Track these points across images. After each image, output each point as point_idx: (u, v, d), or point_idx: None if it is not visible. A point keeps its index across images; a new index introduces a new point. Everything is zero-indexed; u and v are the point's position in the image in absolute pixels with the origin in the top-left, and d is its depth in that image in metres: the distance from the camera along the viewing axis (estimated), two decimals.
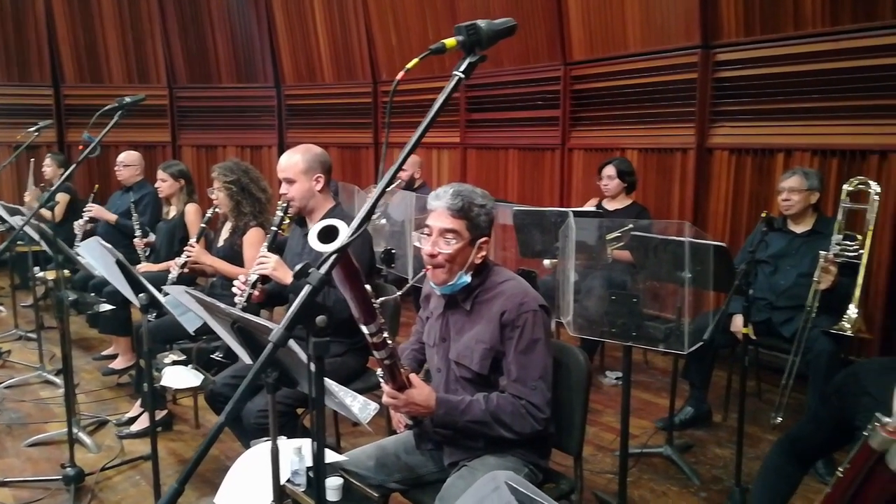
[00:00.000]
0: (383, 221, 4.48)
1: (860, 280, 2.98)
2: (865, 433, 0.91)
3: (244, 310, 2.52)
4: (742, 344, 2.69)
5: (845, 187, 3.14)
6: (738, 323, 3.05)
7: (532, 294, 1.91)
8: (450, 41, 1.20)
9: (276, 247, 2.70)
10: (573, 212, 2.98)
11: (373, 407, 1.69)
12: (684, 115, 4.54)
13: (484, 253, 1.92)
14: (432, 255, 1.87)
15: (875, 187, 3.07)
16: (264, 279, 2.62)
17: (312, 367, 1.13)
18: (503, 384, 1.87)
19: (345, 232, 1.19)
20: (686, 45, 4.47)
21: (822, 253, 3.00)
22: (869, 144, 3.64)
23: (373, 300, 1.50)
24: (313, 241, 1.19)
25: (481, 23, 1.22)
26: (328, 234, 1.20)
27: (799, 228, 3.34)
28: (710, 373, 3.34)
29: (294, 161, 2.58)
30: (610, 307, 2.45)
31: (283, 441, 1.84)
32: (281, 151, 7.61)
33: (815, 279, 3.01)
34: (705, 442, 3.24)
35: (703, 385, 3.35)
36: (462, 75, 1.22)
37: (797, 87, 3.96)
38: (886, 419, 0.88)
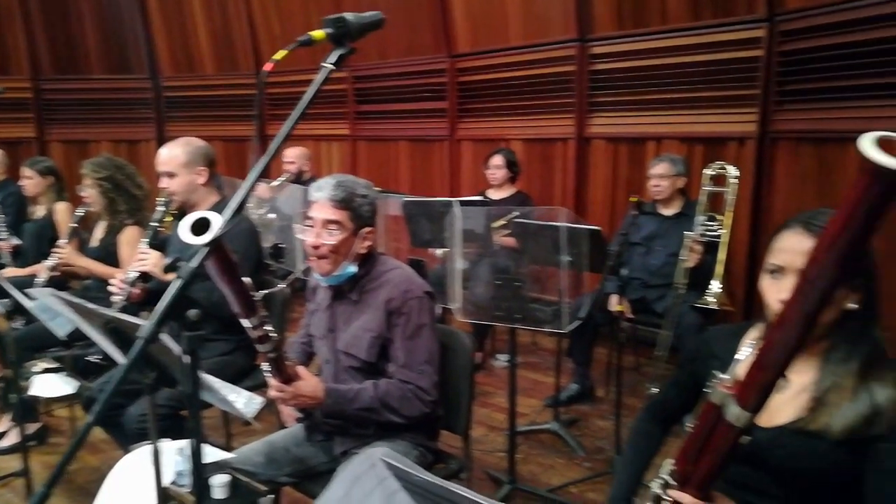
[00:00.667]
0: (272, 216, 4.39)
1: (722, 257, 3.25)
2: (706, 390, 1.01)
3: (123, 310, 2.42)
4: (619, 321, 2.85)
5: (706, 172, 3.40)
6: (613, 302, 3.23)
7: (417, 281, 1.95)
8: (318, 33, 1.21)
9: (158, 244, 2.59)
10: (459, 201, 3.04)
11: (258, 401, 1.67)
12: (564, 107, 4.73)
13: (369, 243, 1.94)
14: (315, 247, 1.88)
15: (733, 171, 3.34)
16: (145, 277, 2.51)
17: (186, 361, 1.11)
18: (391, 370, 1.91)
19: (216, 224, 1.17)
20: (564, 39, 4.65)
21: (688, 234, 3.24)
22: (729, 132, 3.94)
23: (252, 293, 1.48)
24: (184, 233, 1.17)
25: (349, 15, 1.24)
26: (201, 227, 1.18)
27: (668, 211, 3.58)
28: (591, 350, 3.53)
29: (174, 154, 2.49)
30: (496, 292, 2.54)
31: (164, 443, 1.79)
32: (160, 146, 7.26)
33: (682, 258, 3.24)
34: (589, 415, 3.42)
35: (585, 362, 3.53)
36: (332, 66, 1.23)
37: (665, 79, 4.22)
38: (724, 376, 0.99)
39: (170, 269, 1.09)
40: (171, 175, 2.48)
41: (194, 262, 1.09)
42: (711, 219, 3.31)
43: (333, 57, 1.23)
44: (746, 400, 0.93)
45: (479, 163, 5.25)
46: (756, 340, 1.05)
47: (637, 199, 2.89)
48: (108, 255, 3.15)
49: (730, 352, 1.38)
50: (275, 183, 4.92)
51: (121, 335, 1.66)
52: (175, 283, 1.08)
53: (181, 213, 2.62)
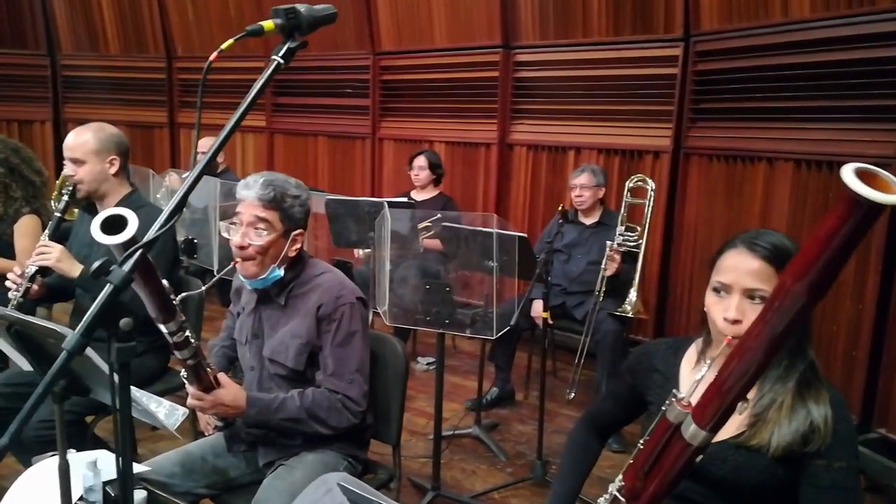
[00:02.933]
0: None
1: (639, 267, 3.36)
2: (664, 408, 1.01)
3: (20, 306, 2.22)
4: (543, 328, 2.88)
5: (627, 184, 3.51)
6: (537, 308, 3.27)
7: (349, 286, 1.89)
8: (268, 24, 1.14)
9: (59, 235, 2.40)
10: (388, 202, 2.99)
11: (181, 412, 1.57)
12: (488, 112, 4.76)
13: (299, 246, 1.87)
14: (242, 247, 1.78)
15: (651, 184, 3.46)
16: (44, 272, 2.31)
17: (116, 376, 1.02)
18: (319, 379, 1.84)
19: (134, 222, 1.07)
20: (489, 44, 4.68)
21: (608, 243, 3.33)
22: (645, 145, 4.08)
23: (171, 296, 1.38)
24: (96, 232, 1.06)
25: (301, 7, 1.17)
26: (113, 225, 1.08)
27: (588, 220, 3.66)
28: (513, 355, 3.56)
29: (84, 140, 2.30)
30: (424, 296, 2.51)
31: (73, 455, 1.64)
32: (57, 127, 6.78)
33: (602, 266, 3.33)
34: (509, 420, 3.45)
35: (507, 366, 3.56)
36: (281, 60, 1.16)
37: (586, 91, 4.32)
38: (681, 394, 1.00)
39: (99, 272, 0.98)
40: (78, 162, 2.29)
41: (128, 266, 1.00)
42: (630, 229, 3.42)
43: (282, 50, 1.16)
44: (705, 419, 0.94)
45: (401, 163, 5.20)
46: (712, 359, 1.07)
47: (563, 207, 2.94)
48: (2, 245, 2.88)
49: (671, 366, 1.42)
50: (186, 174, 4.69)
51: (24, 339, 1.51)
52: (106, 289, 0.99)
53: (87, 204, 2.44)
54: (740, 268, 1.22)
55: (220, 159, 4.94)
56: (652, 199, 3.45)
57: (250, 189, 1.78)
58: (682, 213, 3.93)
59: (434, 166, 4.31)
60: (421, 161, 4.30)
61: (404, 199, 3.70)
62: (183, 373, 1.68)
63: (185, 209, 4.15)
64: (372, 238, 3.39)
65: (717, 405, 0.91)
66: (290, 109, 5.89)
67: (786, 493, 1.21)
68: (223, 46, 1.11)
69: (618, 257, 3.32)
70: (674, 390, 1.01)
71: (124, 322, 0.99)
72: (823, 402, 1.21)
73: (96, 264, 0.99)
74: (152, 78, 6.56)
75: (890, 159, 2.82)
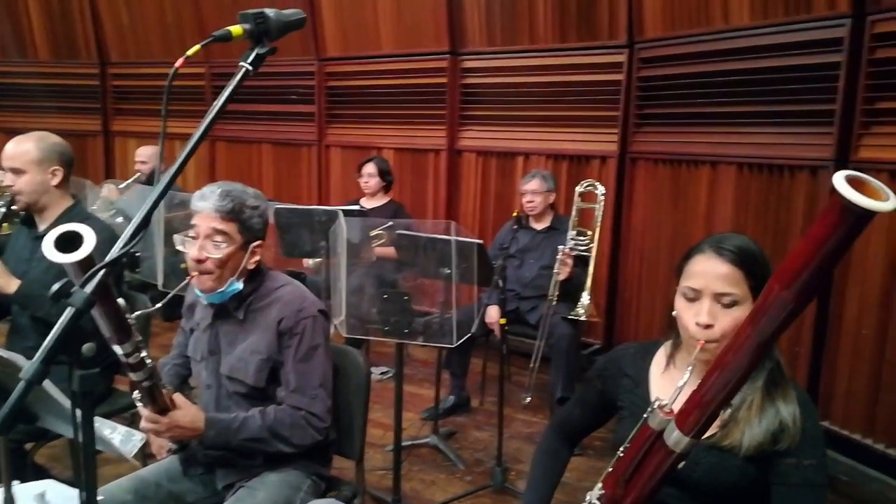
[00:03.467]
0: (119, 220, 4.02)
1: (591, 270, 3.40)
2: (645, 415, 1.02)
3: None
4: (501, 334, 2.88)
5: (578, 189, 3.55)
6: (493, 314, 3.27)
7: (310, 299, 1.85)
8: (236, 29, 1.10)
9: None
10: (341, 211, 2.94)
11: (138, 437, 1.49)
12: (436, 118, 4.75)
13: (258, 258, 1.81)
14: (200, 261, 1.71)
15: (601, 189, 3.51)
16: None
17: (78, 408, 0.95)
18: (281, 395, 1.78)
19: (91, 238, 1.02)
20: (436, 51, 4.68)
21: (561, 247, 3.36)
22: (592, 150, 4.15)
23: (127, 315, 1.31)
24: (49, 250, 1.00)
25: (269, 12, 1.13)
26: (68, 242, 1.02)
27: (539, 225, 3.70)
28: (468, 362, 3.56)
29: (25, 149, 2.18)
30: (382, 306, 2.47)
31: (18, 487, 1.55)
32: None
33: (555, 271, 3.36)
34: (466, 427, 3.44)
35: (463, 374, 3.56)
36: (250, 67, 1.12)
37: (533, 97, 4.36)
38: (664, 401, 1.00)
39: (59, 295, 0.92)
40: (18, 172, 2.17)
41: (90, 288, 0.94)
42: (581, 233, 3.46)
43: (251, 56, 1.12)
44: (689, 425, 0.94)
45: (348, 170, 5.14)
46: (691, 364, 1.07)
47: (518, 213, 2.95)
48: None
49: (640, 370, 1.43)
50: (123, 184, 4.53)
51: None
52: (66, 313, 0.93)
53: (26, 216, 2.31)
54: (710, 273, 1.24)
55: (162, 168, 4.76)
56: (602, 203, 3.51)
57: (207, 200, 1.72)
58: (629, 217, 4.01)
59: (384, 173, 4.28)
60: (370, 168, 4.26)
61: (356, 207, 3.64)
62: (136, 394, 1.60)
63: (121, 220, 4.00)
64: (323, 247, 3.33)
65: (702, 411, 0.92)
66: (232, 116, 5.73)
67: (757, 491, 1.23)
68: (189, 52, 1.06)
69: (570, 261, 3.35)
70: (656, 397, 1.01)
71: (87, 347, 0.94)
72: (791, 400, 1.24)
73: (56, 287, 0.93)
74: (85, 85, 6.30)
75: (827, 162, 2.95)
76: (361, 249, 3.30)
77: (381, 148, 5.02)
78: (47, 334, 2.20)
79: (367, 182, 4.26)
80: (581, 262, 3.42)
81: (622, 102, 3.97)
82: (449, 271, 2.67)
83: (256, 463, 1.79)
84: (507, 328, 3.09)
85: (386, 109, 5.02)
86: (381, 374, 4.01)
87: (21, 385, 0.89)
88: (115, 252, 0.97)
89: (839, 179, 0.72)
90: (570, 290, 3.39)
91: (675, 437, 0.96)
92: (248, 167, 5.72)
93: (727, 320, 1.23)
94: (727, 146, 3.42)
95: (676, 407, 0.98)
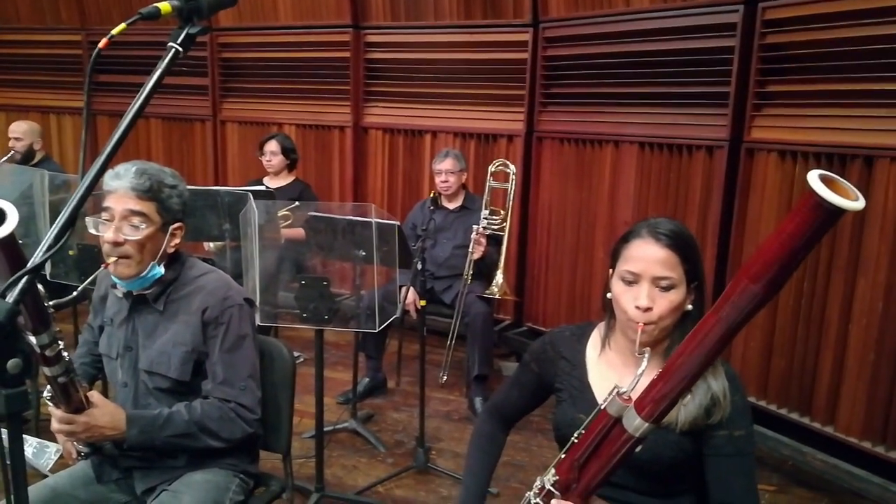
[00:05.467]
0: None
1: (503, 249, 3.45)
2: (602, 403, 1.04)
3: None
4: (419, 314, 2.87)
5: (490, 168, 3.57)
6: (410, 296, 3.24)
7: (235, 287, 1.76)
8: (164, 6, 1.00)
9: None
10: (249, 191, 2.80)
11: (53, 449, 1.38)
12: (340, 94, 4.63)
13: (178, 241, 1.71)
14: (117, 244, 1.59)
15: (512, 168, 3.55)
16: None
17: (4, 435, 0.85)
18: (207, 388, 1.69)
19: (13, 213, 0.93)
20: (338, 24, 4.53)
21: (475, 227, 3.38)
22: (499, 129, 4.18)
23: (46, 303, 1.20)
24: None
25: None
26: None
27: (452, 205, 3.70)
28: (384, 343, 3.52)
29: None
30: (300, 292, 2.39)
31: None
32: None
33: (470, 250, 3.37)
34: (384, 409, 3.42)
35: (379, 355, 3.52)
36: (180, 49, 1.02)
37: (439, 74, 4.33)
38: (623, 389, 1.02)
39: None
40: None
41: (13, 297, 0.83)
42: (494, 213, 3.49)
43: (181, 36, 1.02)
44: (650, 412, 0.96)
45: (247, 147, 4.94)
46: (648, 351, 1.10)
47: (434, 193, 2.93)
48: None
49: (577, 353, 1.46)
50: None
51: None
52: None
53: None
54: (648, 257, 1.27)
55: (37, 146, 4.36)
56: (514, 182, 3.55)
57: (121, 179, 1.59)
58: (536, 195, 4.08)
59: (287, 151, 4.12)
60: (273, 146, 4.09)
61: (262, 188, 3.49)
62: (46, 392, 1.47)
63: None
64: (227, 231, 3.18)
65: (666, 398, 0.94)
66: (114, 88, 5.31)
67: (692, 464, 1.29)
68: (114, 32, 0.95)
69: (484, 241, 3.38)
70: (616, 385, 1.03)
71: (12, 364, 0.83)
72: (720, 376, 1.30)
73: None
74: None
75: (723, 141, 3.11)
76: (268, 232, 3.18)
77: (283, 124, 4.84)
78: None
79: (269, 160, 4.09)
80: (494, 241, 3.45)
81: (528, 81, 4.01)
82: (365, 254, 2.62)
83: (179, 463, 1.70)
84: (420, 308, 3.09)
85: (286, 83, 4.84)
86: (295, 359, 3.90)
87: None
88: (39, 256, 0.86)
89: (814, 178, 0.74)
90: (484, 270, 3.43)
91: (637, 424, 0.98)
92: (135, 143, 5.35)
93: (664, 303, 1.27)
94: (629, 126, 3.54)
95: (636, 394, 1.00)
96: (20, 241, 2.83)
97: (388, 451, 3.00)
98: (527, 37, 3.98)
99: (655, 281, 1.27)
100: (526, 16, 3.98)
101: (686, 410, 1.27)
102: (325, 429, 3.04)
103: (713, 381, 1.29)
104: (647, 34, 3.39)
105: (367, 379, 3.52)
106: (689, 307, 1.32)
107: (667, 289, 1.27)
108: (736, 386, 1.31)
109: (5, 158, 4.21)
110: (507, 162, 3.59)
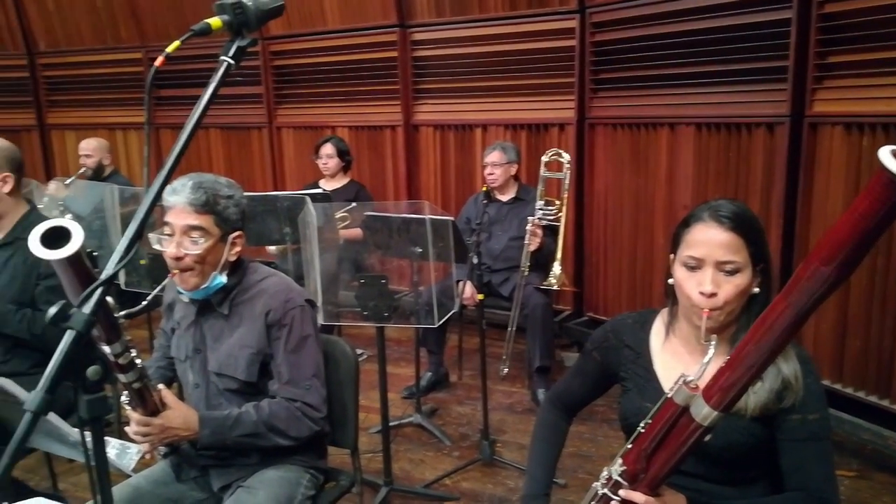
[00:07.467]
0: (69, 216, 3.84)
1: (560, 240, 3.42)
2: (669, 392, 1.02)
3: None
4: (478, 308, 2.88)
5: (543, 158, 3.54)
6: (467, 290, 3.26)
7: (296, 289, 1.81)
8: (215, 21, 1.03)
9: None
10: (308, 195, 2.87)
11: (134, 450, 1.44)
12: (390, 93, 4.67)
13: (238, 249, 1.75)
14: (178, 258, 1.65)
15: (566, 157, 3.52)
16: None
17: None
18: (274, 388, 1.74)
19: (79, 234, 0.98)
20: (384, 24, 4.57)
21: (530, 218, 3.36)
22: (550, 118, 4.14)
23: (115, 314, 1.26)
24: (36, 247, 0.95)
25: (248, 0, 1.06)
26: (55, 238, 0.97)
27: (504, 197, 3.69)
28: (444, 338, 3.55)
29: None
30: (360, 291, 2.43)
31: None
32: None
33: (526, 242, 3.36)
34: (447, 403, 3.45)
35: (440, 350, 3.56)
36: (232, 61, 1.05)
37: (486, 67, 4.32)
38: (690, 377, 1.00)
39: (57, 319, 0.86)
40: None
41: (89, 308, 0.88)
42: (549, 203, 3.47)
43: (232, 49, 1.05)
44: (718, 401, 0.95)
45: (302, 151, 5.03)
46: (714, 338, 1.08)
47: (487, 187, 2.93)
48: None
49: (640, 341, 1.44)
50: (69, 180, 4.31)
51: None
52: (67, 336, 0.87)
53: None
54: (711, 241, 1.24)
55: (106, 161, 4.56)
56: (568, 172, 3.51)
57: (178, 195, 1.65)
58: (591, 183, 4.03)
59: (342, 153, 4.19)
60: (328, 149, 4.16)
61: (319, 191, 3.56)
62: (124, 398, 1.55)
63: (70, 217, 3.83)
64: (288, 234, 3.25)
65: (734, 387, 0.92)
66: (174, 102, 5.51)
67: (763, 449, 1.26)
68: (169, 49, 0.98)
69: (540, 232, 3.36)
70: (682, 374, 1.01)
71: (92, 370, 0.88)
72: (791, 358, 1.26)
73: (52, 310, 0.86)
74: (14, 78, 5.95)
75: (784, 118, 3.01)
76: (327, 233, 3.24)
77: (335, 127, 4.92)
78: (15, 349, 2.10)
79: (325, 163, 4.17)
80: (550, 231, 3.43)
81: (577, 68, 3.96)
82: (421, 250, 2.64)
83: (252, 461, 1.76)
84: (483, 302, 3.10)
85: (337, 87, 4.91)
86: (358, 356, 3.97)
87: (27, 417, 0.83)
88: (111, 267, 0.91)
89: (885, 154, 0.71)
90: (541, 261, 3.41)
91: (706, 413, 0.96)
92: (197, 153, 5.53)
93: (729, 288, 1.24)
94: (685, 107, 3.46)
95: (703, 382, 0.99)
96: (94, 252, 2.96)
97: (454, 444, 3.02)
98: (574, 23, 3.94)
99: (719, 265, 1.24)
100: (572, 2, 3.94)
101: (756, 395, 1.24)
102: (391, 423, 3.09)
103: (784, 365, 1.25)
104: (699, 11, 3.30)
105: (430, 373, 3.56)
106: (756, 290, 1.28)
107: (731, 273, 1.24)
108: (808, 369, 1.28)
109: (78, 174, 4.42)
110: (561, 151, 3.56)
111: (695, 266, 1.26)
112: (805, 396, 1.25)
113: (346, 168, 4.24)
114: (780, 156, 3.06)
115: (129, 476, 1.70)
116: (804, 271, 0.82)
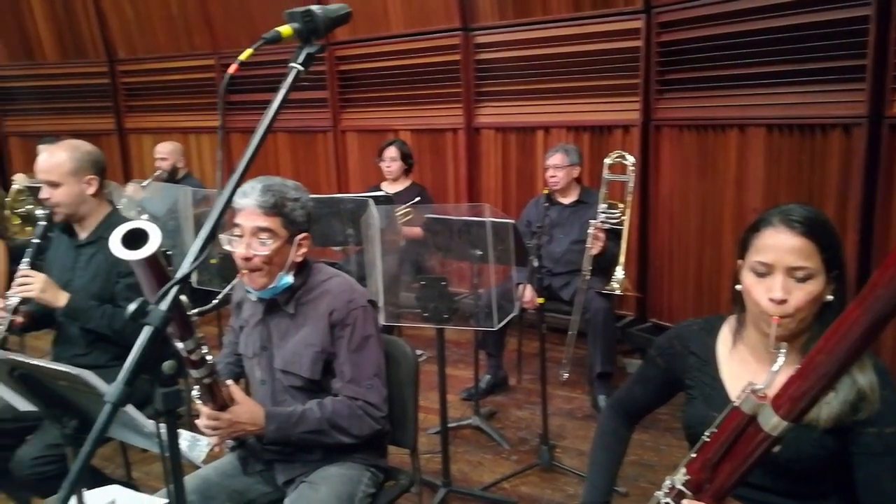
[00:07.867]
0: (145, 217, 4.02)
1: (623, 244, 3.37)
2: (735, 401, 1.00)
3: (4, 340, 2.11)
4: (539, 311, 2.86)
5: (606, 161, 3.49)
6: (527, 293, 3.24)
7: (359, 290, 1.84)
8: (285, 30, 1.07)
9: (40, 263, 2.27)
10: (371, 198, 2.92)
11: (204, 442, 1.50)
12: (452, 96, 4.70)
13: (304, 250, 1.80)
14: (247, 259, 1.71)
15: (630, 160, 3.46)
16: (24, 299, 2.19)
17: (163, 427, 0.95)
18: (336, 387, 1.78)
19: (156, 235, 1.03)
20: (447, 28, 4.60)
21: (592, 222, 3.32)
22: (614, 120, 4.08)
23: (189, 312, 1.31)
24: (117, 248, 1.01)
25: (316, 9, 1.10)
26: (134, 239, 1.03)
27: (566, 200, 3.65)
28: (503, 340, 3.55)
29: (59, 161, 2.17)
30: (420, 292, 2.46)
31: (88, 494, 1.56)
32: None
33: (587, 245, 3.32)
34: (506, 406, 3.44)
35: (499, 353, 3.55)
36: (301, 67, 1.09)
37: (549, 69, 4.29)
38: (758, 386, 0.98)
39: (137, 315, 0.91)
40: (54, 185, 2.16)
41: (165, 305, 0.92)
42: (612, 206, 3.42)
43: (301, 56, 1.09)
44: (788, 410, 0.92)
45: (366, 155, 5.11)
46: (785, 346, 1.05)
47: (549, 190, 2.92)
48: None
49: (707, 348, 1.40)
50: (146, 182, 4.52)
51: (30, 381, 1.41)
52: (145, 332, 0.92)
53: (65, 228, 2.30)
54: (782, 246, 1.21)
55: (180, 164, 4.76)
56: (633, 174, 3.45)
57: (248, 197, 1.71)
58: (656, 186, 3.95)
59: (405, 156, 4.24)
60: (392, 152, 4.22)
61: (381, 194, 3.62)
62: (195, 392, 1.61)
63: (146, 217, 4.00)
64: (351, 236, 3.31)
65: (805, 397, 0.89)
66: (245, 106, 5.68)
67: (836, 462, 1.21)
68: (241, 57, 1.03)
69: (602, 235, 3.31)
70: (749, 382, 0.99)
71: (168, 365, 0.93)
72: (867, 369, 1.21)
73: (132, 307, 0.91)
74: (95, 84, 6.27)
75: (861, 119, 2.88)
76: (389, 235, 3.29)
77: (398, 130, 4.98)
78: (96, 343, 2.21)
79: (389, 167, 4.22)
80: (613, 235, 3.38)
81: (642, 69, 3.89)
82: (481, 253, 2.65)
83: (315, 457, 1.80)
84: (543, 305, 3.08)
85: (400, 91, 4.97)
86: (418, 357, 4.01)
87: (107, 408, 0.88)
88: (186, 266, 0.95)
89: None
90: (603, 265, 3.36)
91: (775, 422, 0.93)
92: (265, 157, 5.69)
93: (801, 295, 1.20)
94: (755, 108, 3.36)
95: (772, 391, 0.96)
96: (168, 252, 3.08)
97: (512, 448, 3.02)
98: (639, 24, 3.87)
99: (790, 271, 1.20)
100: (637, 2, 3.87)
101: (829, 407, 1.19)
102: (450, 425, 3.11)
103: (859, 376, 1.20)
104: (770, 10, 3.20)
105: (489, 376, 3.56)
106: (830, 298, 1.24)
107: (803, 279, 1.20)
108: (886, 380, 1.22)
109: (153, 177, 4.62)
110: (625, 153, 3.50)
111: (764, 272, 1.23)
112: (882, 409, 1.19)
113: (408, 171, 4.29)
114: (857, 158, 2.93)
115: (198, 467, 1.76)
116: (881, 278, 0.78)
